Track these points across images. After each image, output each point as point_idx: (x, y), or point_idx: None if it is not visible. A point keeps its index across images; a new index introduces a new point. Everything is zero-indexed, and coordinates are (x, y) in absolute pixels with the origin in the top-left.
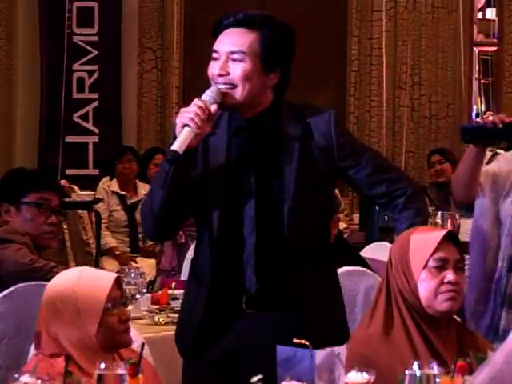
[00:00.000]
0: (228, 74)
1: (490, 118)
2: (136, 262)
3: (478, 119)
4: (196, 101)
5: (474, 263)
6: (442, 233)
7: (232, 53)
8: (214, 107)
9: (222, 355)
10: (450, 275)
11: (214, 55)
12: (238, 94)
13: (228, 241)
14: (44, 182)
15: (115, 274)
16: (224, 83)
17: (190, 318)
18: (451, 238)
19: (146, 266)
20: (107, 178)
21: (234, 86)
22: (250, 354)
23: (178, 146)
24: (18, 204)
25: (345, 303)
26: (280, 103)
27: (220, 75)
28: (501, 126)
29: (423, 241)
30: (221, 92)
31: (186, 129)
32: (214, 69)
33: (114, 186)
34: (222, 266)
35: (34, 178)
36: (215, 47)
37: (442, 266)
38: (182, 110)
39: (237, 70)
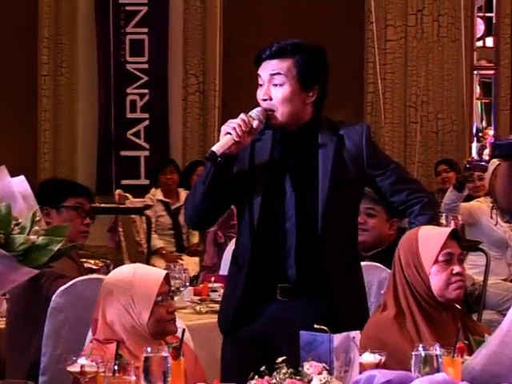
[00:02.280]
0: (271, 98)
1: None
2: (182, 260)
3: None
4: (242, 115)
5: None
6: (448, 230)
7: (272, 75)
8: (255, 123)
9: (255, 337)
10: (456, 267)
11: (260, 81)
12: (279, 115)
13: (267, 234)
14: (78, 189)
15: (165, 271)
16: (267, 107)
17: (230, 299)
18: (454, 235)
19: (191, 263)
20: (153, 189)
21: (276, 109)
22: (280, 338)
23: (216, 147)
24: (59, 208)
25: None
26: (319, 117)
27: (264, 100)
28: None
29: (431, 238)
30: (266, 113)
31: (228, 136)
32: (259, 94)
33: (159, 194)
34: (260, 255)
35: (70, 185)
36: (259, 72)
37: (449, 260)
38: (229, 120)
39: (278, 94)
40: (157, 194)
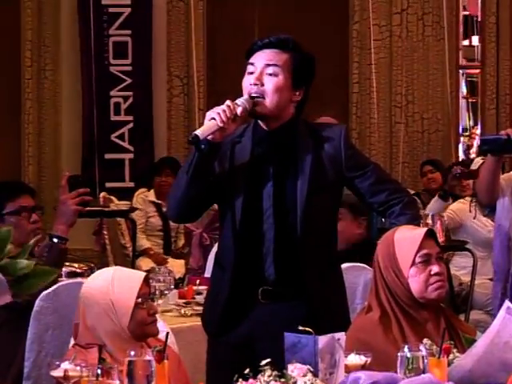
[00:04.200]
0: (262, 84)
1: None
2: (167, 263)
3: (466, 133)
4: (227, 101)
5: (497, 258)
6: (423, 231)
7: (268, 66)
8: (239, 110)
9: (239, 340)
10: (435, 267)
11: (250, 68)
12: (268, 102)
13: (249, 235)
14: (14, 189)
15: (144, 273)
16: (256, 92)
17: (215, 301)
18: (430, 234)
19: (176, 265)
20: (144, 189)
21: (265, 97)
22: (263, 341)
23: (200, 131)
24: (1, 216)
25: (347, 295)
26: (298, 119)
27: (255, 84)
28: None
29: (407, 240)
30: (252, 102)
31: (212, 121)
32: (249, 80)
33: (151, 195)
34: (242, 256)
35: (4, 189)
36: (252, 61)
37: (427, 261)
38: (215, 107)
39: (270, 83)
40: (149, 195)
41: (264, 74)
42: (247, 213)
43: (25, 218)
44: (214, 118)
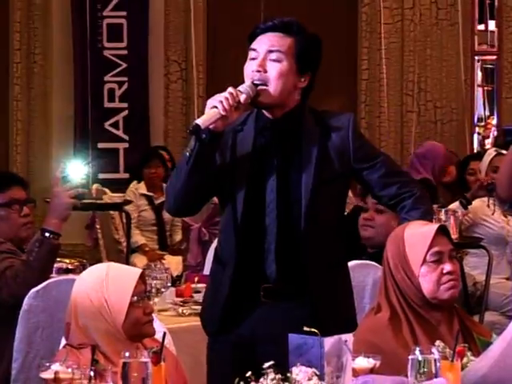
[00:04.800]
0: (265, 71)
1: None
2: (164, 260)
3: (482, 123)
4: (230, 88)
5: None
6: (434, 227)
7: (271, 52)
8: (243, 97)
9: (241, 340)
10: (447, 266)
11: (253, 54)
12: (272, 90)
13: (251, 229)
14: (5, 180)
15: (140, 270)
16: (259, 79)
17: (215, 299)
18: (442, 230)
19: (174, 262)
20: (135, 182)
21: (268, 84)
22: (265, 341)
23: (201, 120)
24: None
25: (355, 294)
26: (303, 107)
27: (258, 71)
28: None
29: (417, 238)
30: (256, 89)
31: (214, 109)
32: (251, 66)
33: (142, 188)
34: (244, 251)
35: None
36: (254, 46)
37: (439, 259)
38: (216, 95)
39: (273, 69)
40: (140, 187)
41: (267, 60)
42: (249, 206)
43: (16, 210)
44: (215, 107)
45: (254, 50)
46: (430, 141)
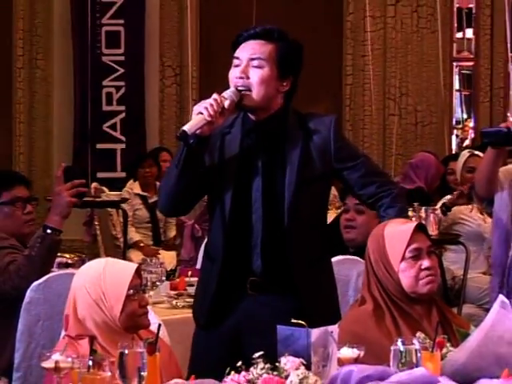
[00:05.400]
0: (248, 77)
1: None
2: (159, 254)
3: (460, 126)
4: (214, 95)
5: (496, 251)
6: (413, 225)
7: (252, 59)
8: (227, 103)
9: (228, 332)
10: (425, 262)
11: (236, 62)
12: (255, 95)
13: (238, 226)
14: (10, 179)
15: (136, 265)
16: (242, 85)
17: (205, 293)
18: (420, 228)
19: (168, 257)
20: (131, 181)
21: (251, 89)
22: (252, 332)
23: (188, 127)
24: None
25: (340, 287)
26: (287, 109)
27: (241, 78)
28: None
29: (397, 235)
30: (240, 94)
31: (200, 115)
32: (235, 72)
33: (136, 187)
34: (231, 248)
35: (1, 179)
36: (237, 54)
37: (417, 256)
38: (202, 101)
39: (255, 75)
40: (134, 187)
41: (249, 67)
42: (236, 204)
43: (19, 208)
44: (201, 113)
45: (237, 58)
46: (423, 152)
